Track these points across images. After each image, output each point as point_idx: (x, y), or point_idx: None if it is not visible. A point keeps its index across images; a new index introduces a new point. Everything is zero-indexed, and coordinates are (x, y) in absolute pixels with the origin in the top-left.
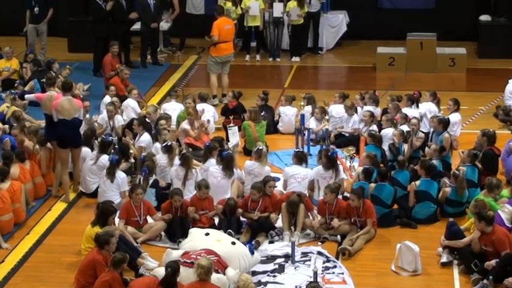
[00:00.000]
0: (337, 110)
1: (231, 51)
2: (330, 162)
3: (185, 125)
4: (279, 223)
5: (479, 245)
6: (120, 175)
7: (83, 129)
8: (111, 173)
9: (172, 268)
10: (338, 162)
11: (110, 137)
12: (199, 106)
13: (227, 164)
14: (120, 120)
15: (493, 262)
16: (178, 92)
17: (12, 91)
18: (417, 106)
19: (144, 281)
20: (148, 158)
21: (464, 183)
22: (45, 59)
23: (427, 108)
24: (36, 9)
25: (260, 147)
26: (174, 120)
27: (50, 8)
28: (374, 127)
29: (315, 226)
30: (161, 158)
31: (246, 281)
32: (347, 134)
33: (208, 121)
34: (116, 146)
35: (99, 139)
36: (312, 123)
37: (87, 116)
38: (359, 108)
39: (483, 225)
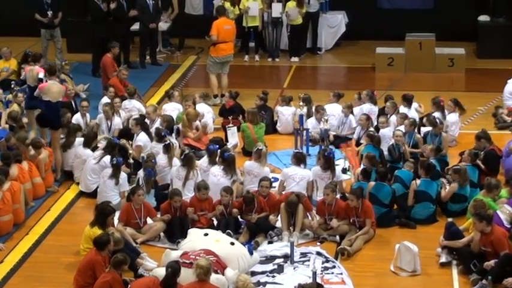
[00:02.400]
0: (331, 109)
1: (230, 51)
2: (327, 163)
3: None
4: (278, 224)
5: (479, 246)
6: (121, 175)
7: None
8: (115, 175)
9: (173, 268)
10: (338, 163)
11: (117, 139)
12: (199, 106)
13: (229, 165)
14: (118, 123)
15: (491, 262)
16: (174, 91)
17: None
18: (409, 107)
19: (143, 282)
20: (149, 158)
21: (467, 175)
22: (62, 62)
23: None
24: (49, 12)
25: (260, 147)
26: None
27: (59, 12)
28: (371, 129)
29: (314, 226)
30: (161, 158)
31: (245, 281)
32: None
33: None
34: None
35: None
36: (309, 123)
37: (87, 116)
38: (355, 110)
39: (484, 225)
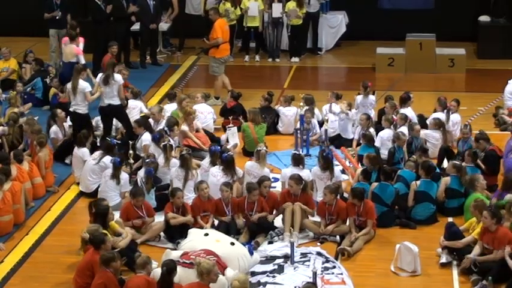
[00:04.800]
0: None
1: (230, 51)
2: (326, 163)
3: (184, 126)
4: (277, 223)
5: (482, 244)
6: (123, 176)
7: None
8: (116, 176)
9: (168, 267)
10: (336, 163)
11: (114, 140)
12: (198, 107)
13: (227, 166)
14: (117, 123)
15: (471, 255)
16: (176, 93)
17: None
18: (405, 106)
19: (138, 279)
20: (150, 158)
21: (465, 170)
22: (60, 61)
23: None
24: (59, 13)
25: (259, 148)
26: None
27: (68, 13)
28: (371, 130)
29: (323, 230)
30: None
31: (239, 280)
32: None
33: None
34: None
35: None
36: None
37: None
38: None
39: (493, 222)
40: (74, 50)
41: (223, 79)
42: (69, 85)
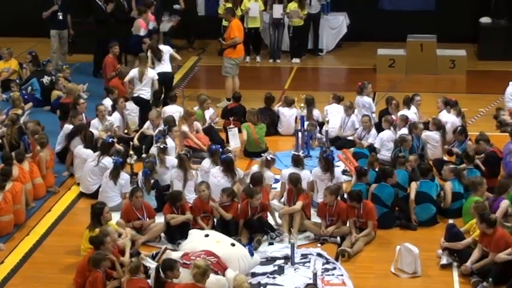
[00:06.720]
0: (332, 109)
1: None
2: (327, 164)
3: (184, 127)
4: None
5: (481, 247)
6: (124, 177)
7: None
8: (115, 175)
9: (165, 264)
10: (338, 164)
11: (111, 139)
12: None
13: (227, 167)
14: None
15: (468, 264)
16: (177, 94)
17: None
18: (408, 108)
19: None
20: (150, 158)
21: (461, 172)
22: (63, 64)
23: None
24: (60, 13)
25: (263, 154)
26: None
27: (68, 13)
28: (373, 130)
29: (323, 231)
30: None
31: (240, 281)
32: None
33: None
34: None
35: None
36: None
37: (83, 116)
38: (358, 98)
39: (484, 226)
40: (139, 23)
41: (234, 81)
42: (133, 72)
